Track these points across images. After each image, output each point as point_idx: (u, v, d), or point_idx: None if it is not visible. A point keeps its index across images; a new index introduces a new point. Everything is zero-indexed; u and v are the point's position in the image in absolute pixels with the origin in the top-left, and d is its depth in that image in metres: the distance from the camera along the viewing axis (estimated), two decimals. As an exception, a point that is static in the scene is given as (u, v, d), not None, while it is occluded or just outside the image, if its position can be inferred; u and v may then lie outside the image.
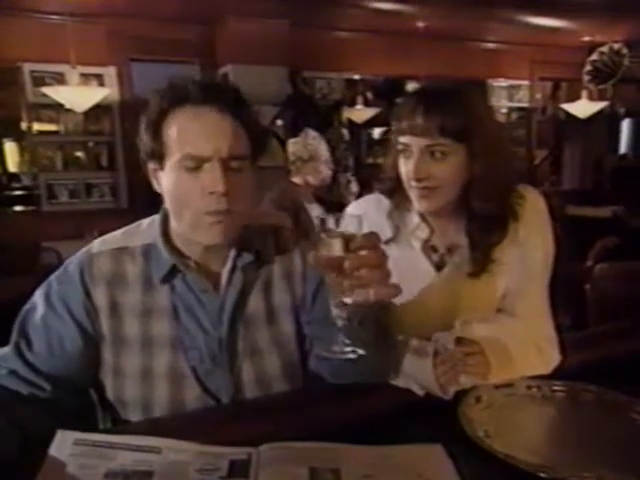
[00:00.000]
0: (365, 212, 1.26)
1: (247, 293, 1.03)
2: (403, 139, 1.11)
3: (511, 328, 1.12)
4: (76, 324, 0.98)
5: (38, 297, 1.00)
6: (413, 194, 1.14)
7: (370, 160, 7.87)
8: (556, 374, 1.06)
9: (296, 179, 3.07)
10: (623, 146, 7.44)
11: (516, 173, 1.20)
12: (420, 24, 5.23)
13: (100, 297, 0.98)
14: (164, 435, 0.84)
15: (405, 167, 1.13)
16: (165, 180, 0.95)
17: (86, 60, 4.28)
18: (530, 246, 1.16)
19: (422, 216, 1.21)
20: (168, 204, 0.98)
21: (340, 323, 0.76)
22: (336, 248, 0.73)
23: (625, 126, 7.36)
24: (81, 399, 1.03)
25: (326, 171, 3.05)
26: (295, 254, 1.08)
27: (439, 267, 1.20)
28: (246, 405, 1.01)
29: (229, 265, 1.01)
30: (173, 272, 0.99)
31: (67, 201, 4.79)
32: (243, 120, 0.94)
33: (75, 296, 0.98)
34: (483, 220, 1.13)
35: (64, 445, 0.79)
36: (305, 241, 1.10)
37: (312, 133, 3.07)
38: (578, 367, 1.11)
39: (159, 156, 0.94)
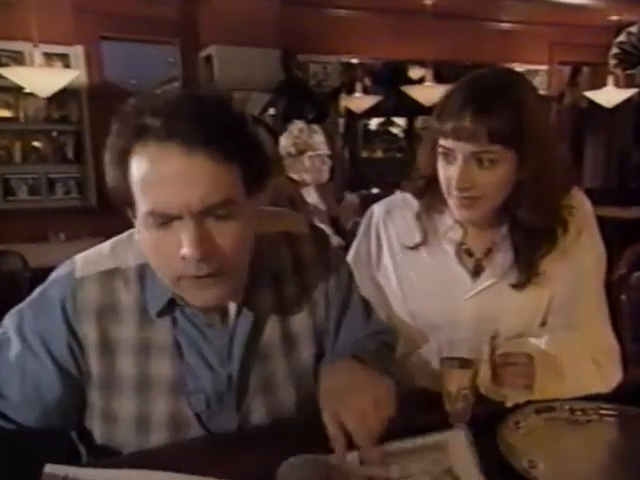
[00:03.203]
0: (390, 214, 1.27)
1: (261, 322, 0.98)
2: (445, 142, 1.10)
3: (566, 342, 1.13)
4: (57, 367, 0.93)
5: (9, 327, 0.94)
6: (453, 202, 1.14)
7: (366, 154, 7.90)
8: (597, 395, 1.07)
9: (293, 175, 3.12)
10: (652, 139, 7.50)
11: (568, 179, 1.19)
12: (427, 1, 5.26)
13: (88, 333, 0.93)
14: (162, 468, 0.83)
15: (445, 172, 1.13)
16: (138, 230, 0.89)
17: (50, 38, 4.23)
18: (580, 254, 1.18)
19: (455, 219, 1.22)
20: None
21: None
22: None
23: (654, 117, 7.41)
24: (63, 443, 1.01)
25: (319, 166, 3.12)
26: (316, 268, 1.03)
27: (475, 273, 1.21)
28: (251, 433, 1.00)
29: (240, 296, 0.95)
30: (172, 304, 0.94)
31: (27, 198, 4.74)
32: (227, 149, 0.82)
33: (57, 333, 0.93)
34: (529, 231, 1.13)
35: None
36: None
37: (299, 125, 3.17)
38: (620, 388, 1.12)
39: (129, 203, 0.85)
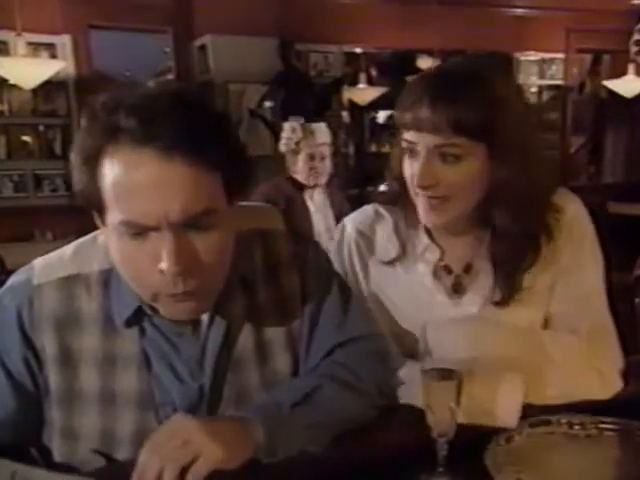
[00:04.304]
0: (362, 234, 1.22)
1: (234, 330, 0.97)
2: (407, 135, 1.07)
3: (570, 347, 1.11)
4: (11, 382, 0.91)
5: None
6: (419, 204, 1.10)
7: (374, 148, 7.89)
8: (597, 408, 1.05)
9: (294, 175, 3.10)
10: (676, 132, 7.44)
11: (552, 180, 1.15)
12: (435, -14, 5.24)
13: (47, 345, 0.91)
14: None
15: (410, 170, 1.09)
16: (108, 239, 0.85)
17: (35, 27, 4.25)
18: (577, 265, 1.14)
19: (430, 233, 1.18)
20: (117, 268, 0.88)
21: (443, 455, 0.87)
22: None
23: (679, 108, 7.35)
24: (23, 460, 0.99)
25: (315, 168, 3.02)
26: (291, 268, 1.00)
27: (455, 291, 1.17)
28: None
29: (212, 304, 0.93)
30: (139, 314, 0.92)
31: (12, 195, 4.76)
32: (209, 155, 0.79)
33: (11, 345, 0.91)
34: (509, 239, 1.09)
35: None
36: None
37: (292, 124, 3.10)
38: (626, 400, 1.10)
39: (98, 208, 0.82)
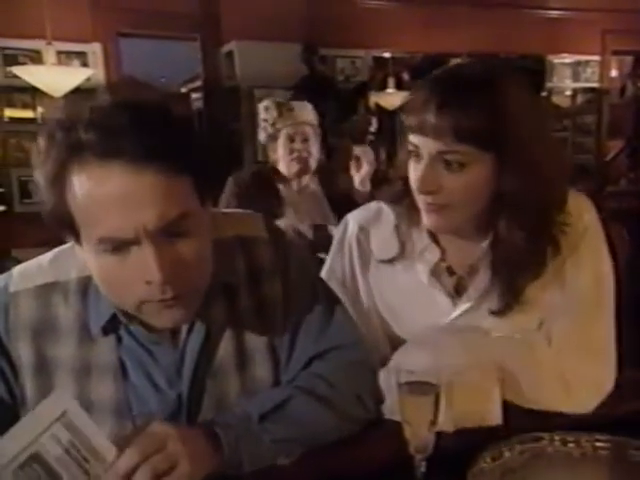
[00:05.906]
0: (363, 230, 1.21)
1: (213, 338, 0.96)
2: (412, 138, 1.05)
3: (539, 353, 1.09)
4: None
5: None
6: (421, 206, 1.08)
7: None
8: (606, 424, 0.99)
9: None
10: None
11: (562, 196, 1.09)
12: (464, -11, 5.18)
13: (23, 353, 0.92)
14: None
15: (414, 173, 1.07)
16: (86, 257, 0.84)
17: (66, 35, 4.35)
18: (577, 278, 1.10)
19: (433, 234, 1.15)
20: (96, 282, 0.87)
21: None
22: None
23: None
24: None
25: (297, 154, 2.56)
26: (273, 275, 0.99)
27: (457, 292, 1.15)
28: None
29: None
30: (115, 321, 0.91)
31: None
32: (177, 161, 0.79)
33: None
34: (511, 250, 1.06)
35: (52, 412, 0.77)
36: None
37: (264, 103, 2.67)
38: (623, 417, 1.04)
39: (71, 228, 0.82)
